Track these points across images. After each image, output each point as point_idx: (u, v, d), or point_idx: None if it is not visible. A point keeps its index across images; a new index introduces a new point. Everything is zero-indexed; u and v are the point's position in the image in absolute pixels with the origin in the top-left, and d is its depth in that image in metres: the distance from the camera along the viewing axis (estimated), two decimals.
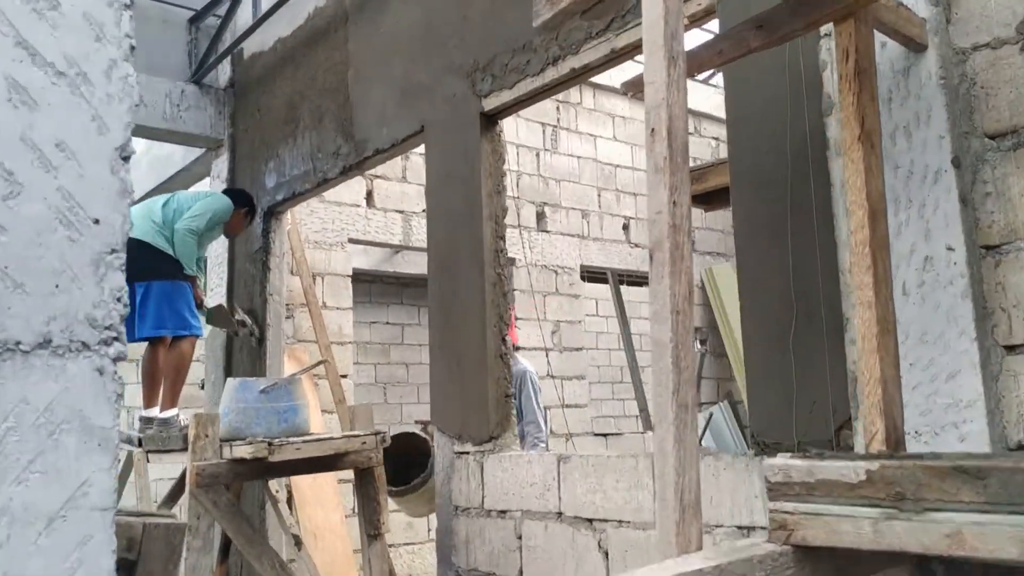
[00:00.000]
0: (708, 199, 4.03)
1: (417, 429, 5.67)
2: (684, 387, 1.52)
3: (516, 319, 4.76)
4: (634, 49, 3.46)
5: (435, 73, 4.45)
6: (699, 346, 9.49)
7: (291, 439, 3.20)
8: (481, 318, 4.00)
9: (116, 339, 0.98)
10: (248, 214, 5.62)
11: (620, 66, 8.59)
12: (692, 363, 1.58)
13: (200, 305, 5.24)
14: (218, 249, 6.62)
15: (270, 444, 3.06)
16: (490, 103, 4.07)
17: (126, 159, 1.02)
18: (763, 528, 2.79)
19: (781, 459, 1.58)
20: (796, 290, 2.75)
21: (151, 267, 4.94)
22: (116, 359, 0.98)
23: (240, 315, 5.97)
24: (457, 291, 4.18)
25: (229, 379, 3.50)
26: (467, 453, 4.00)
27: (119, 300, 0.99)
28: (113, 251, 0.99)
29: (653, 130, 1.65)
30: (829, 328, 2.66)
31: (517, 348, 5.82)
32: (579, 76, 3.72)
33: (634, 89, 2.47)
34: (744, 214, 3.02)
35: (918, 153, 2.43)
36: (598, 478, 3.39)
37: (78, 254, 0.94)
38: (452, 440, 4.07)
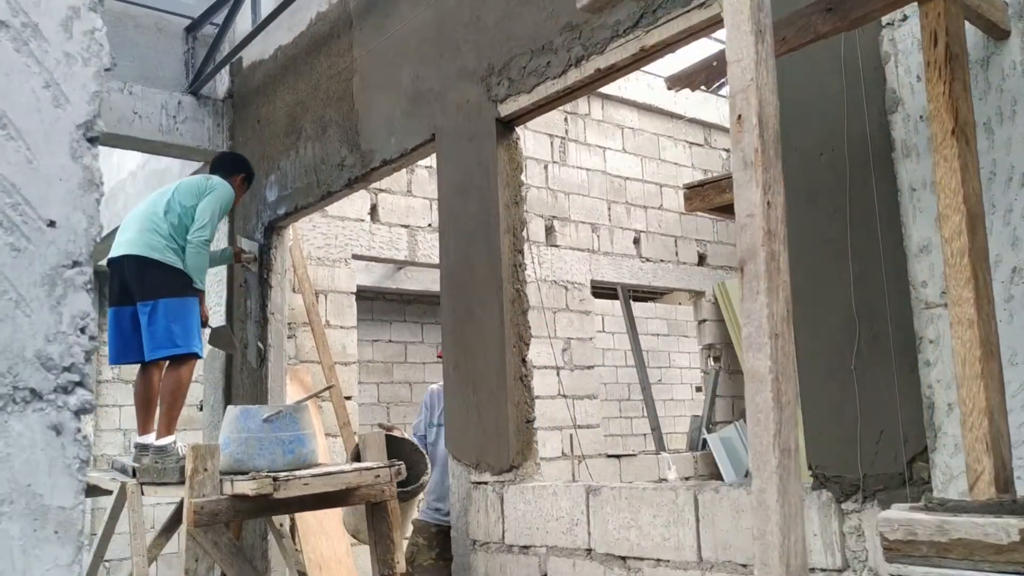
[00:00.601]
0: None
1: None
2: (786, 427, 1.25)
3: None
4: (665, 47, 3.20)
5: (447, 78, 4.20)
6: (713, 363, 9.22)
7: (298, 472, 2.92)
8: (499, 338, 3.73)
9: (79, 384, 0.71)
10: (246, 180, 5.26)
11: (627, 76, 8.36)
12: (794, 397, 1.31)
13: (204, 323, 4.99)
14: (218, 270, 6.35)
15: (275, 479, 2.78)
16: (506, 108, 3.81)
17: (93, 141, 0.76)
18: (823, 571, 2.51)
19: (900, 511, 1.31)
20: (858, 307, 2.48)
21: (158, 285, 4.66)
22: (79, 412, 0.71)
23: (244, 248, 5.70)
24: (472, 309, 3.91)
25: (230, 407, 3.22)
26: (485, 483, 3.72)
27: (83, 331, 0.72)
28: (76, 264, 0.72)
29: (740, 117, 1.40)
30: (898, 348, 2.39)
31: None
32: (604, 77, 3.47)
33: (680, 84, 2.22)
34: (795, 224, 2.75)
35: (1001, 153, 2.17)
36: (632, 512, 3.11)
37: (24, 269, 0.67)
38: (469, 469, 3.79)
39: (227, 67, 6.32)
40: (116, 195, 8.35)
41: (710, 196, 3.72)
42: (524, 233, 3.91)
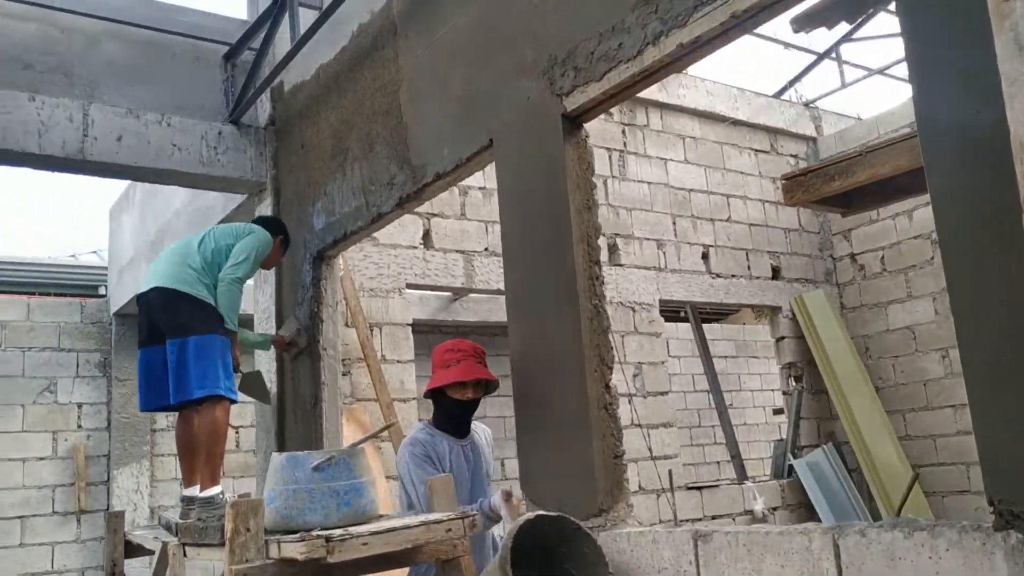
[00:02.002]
0: (847, 200, 3.26)
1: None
2: None
3: None
4: (760, 10, 2.73)
5: (503, 77, 3.78)
6: (794, 383, 8.59)
7: (354, 529, 2.47)
8: (578, 361, 3.25)
9: None
10: (284, 242, 5.21)
11: (684, 84, 7.86)
12: None
13: (236, 369, 4.60)
14: (265, 302, 6.00)
15: (328, 539, 2.34)
16: (573, 101, 3.37)
17: None
18: None
19: None
20: None
21: (187, 321, 4.31)
22: None
23: (295, 332, 5.36)
24: (545, 331, 3.44)
25: (274, 454, 2.79)
26: None
27: None
28: None
29: None
30: None
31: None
32: (688, 55, 3.00)
33: (812, 24, 1.76)
34: (953, 204, 2.23)
35: None
36: (754, 562, 2.59)
37: None
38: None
39: (268, 92, 6.01)
40: (163, 235, 8.12)
41: (815, 186, 3.25)
42: (599, 242, 3.44)
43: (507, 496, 3.12)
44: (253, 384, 5.29)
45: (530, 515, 2.65)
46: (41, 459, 9.36)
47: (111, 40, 5.62)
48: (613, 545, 3.04)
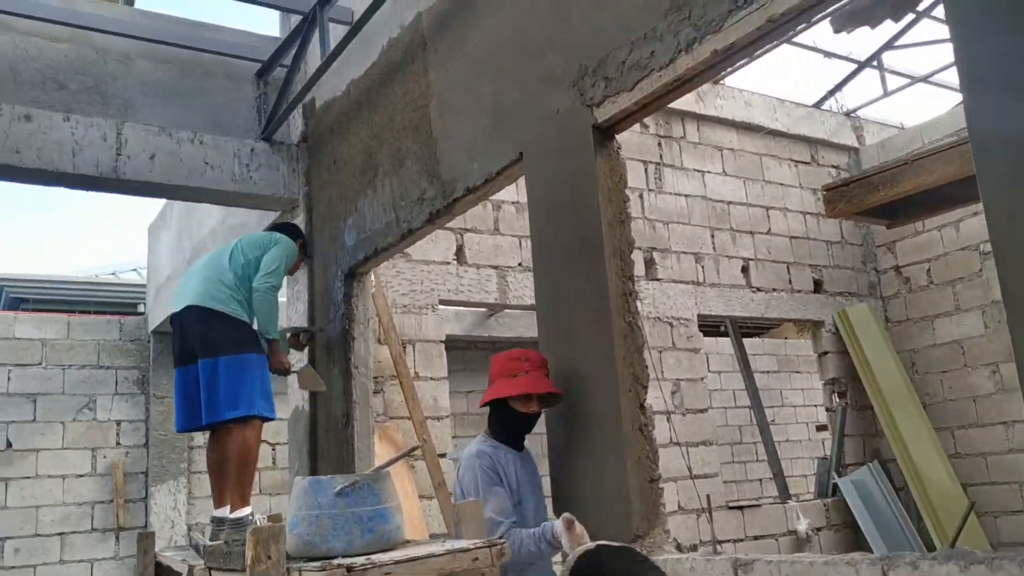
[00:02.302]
0: (892, 211, 3.12)
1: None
2: None
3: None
4: (799, 13, 2.62)
5: (533, 88, 3.69)
6: (837, 399, 8.36)
7: (377, 558, 2.38)
8: (611, 380, 3.14)
9: None
10: (303, 246, 5.36)
11: (723, 94, 7.72)
12: None
13: (286, 371, 4.71)
14: (298, 320, 5.96)
15: (349, 569, 2.25)
16: (604, 112, 3.27)
17: None
18: None
19: None
20: None
21: (221, 340, 4.27)
22: None
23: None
24: (577, 348, 3.34)
25: (296, 478, 2.71)
26: None
27: None
28: None
29: None
30: None
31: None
32: (723, 61, 2.89)
33: (854, 23, 1.64)
34: (1007, 214, 2.09)
35: None
36: None
37: None
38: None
39: (300, 109, 6.00)
40: (198, 253, 8.14)
41: (859, 197, 3.11)
42: (632, 256, 3.33)
43: (569, 524, 2.87)
44: (307, 378, 5.31)
45: (591, 545, 2.52)
46: (80, 476, 9.43)
47: (145, 59, 5.64)
48: None
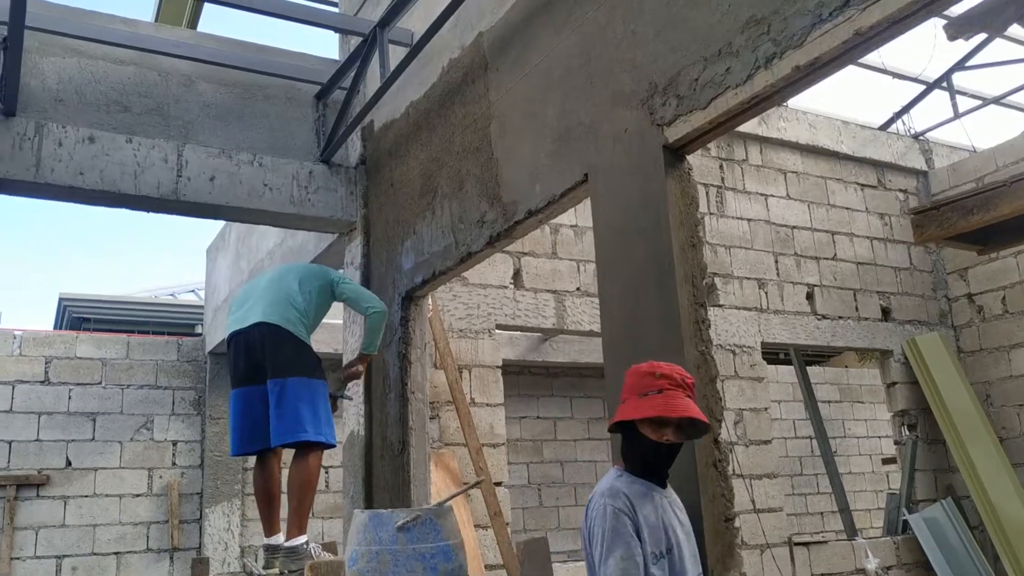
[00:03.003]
0: (984, 237, 2.92)
1: None
2: None
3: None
4: (889, 26, 2.46)
5: (599, 108, 3.58)
6: (907, 432, 8.03)
7: None
8: None
9: None
10: None
11: (786, 116, 7.51)
12: None
13: (358, 376, 4.94)
14: (354, 343, 5.89)
15: None
16: (676, 132, 3.14)
17: None
18: None
19: None
20: None
21: (292, 362, 4.22)
22: None
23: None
24: None
25: (356, 511, 2.60)
26: None
27: None
28: None
29: None
30: None
31: None
32: (805, 77, 2.74)
33: (969, 29, 1.51)
34: None
35: None
36: None
37: None
38: None
39: (358, 131, 5.97)
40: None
41: (950, 221, 2.93)
42: (704, 283, 3.17)
43: None
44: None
45: None
46: (137, 495, 9.49)
47: (206, 82, 5.66)
48: None
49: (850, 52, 2.61)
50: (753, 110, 2.94)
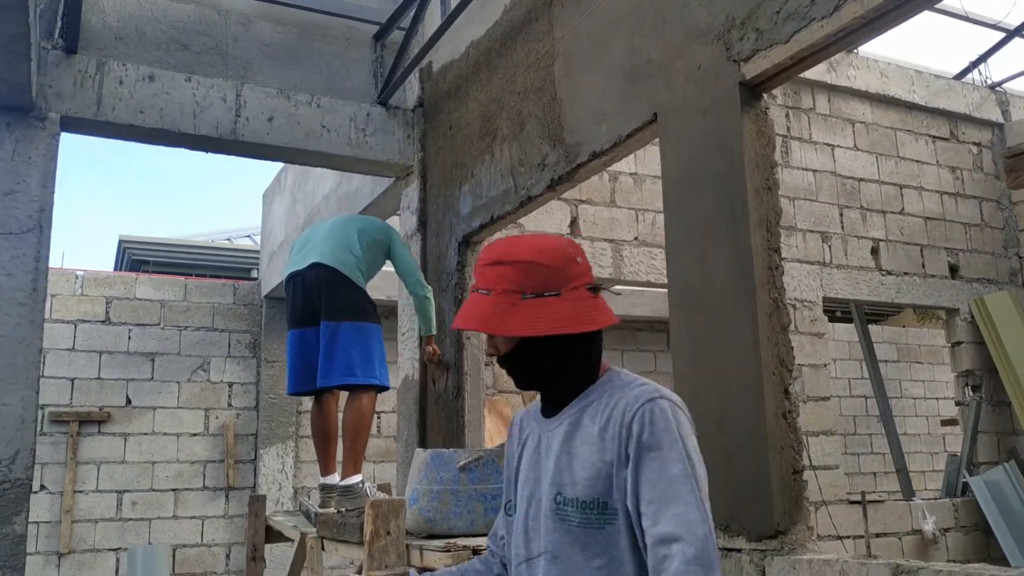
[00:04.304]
0: None
1: None
2: None
3: None
4: None
5: (671, 44, 3.43)
6: (971, 393, 7.80)
7: None
8: (754, 362, 2.88)
9: None
10: None
11: (855, 63, 7.21)
12: None
13: (439, 361, 5.08)
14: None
15: (476, 552, 2.08)
16: (753, 68, 2.98)
17: None
18: None
19: None
20: None
21: (346, 305, 4.22)
22: None
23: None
24: (714, 327, 3.08)
25: (418, 450, 2.57)
26: (738, 551, 2.87)
27: None
28: None
29: None
30: None
31: None
32: (896, 9, 2.57)
33: None
34: None
35: None
36: None
37: None
38: (715, 531, 2.94)
39: (416, 73, 5.87)
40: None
41: None
42: (779, 227, 3.04)
43: None
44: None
45: None
46: (194, 435, 9.69)
47: (265, 21, 5.60)
48: (791, 572, 2.66)
49: None
50: (838, 44, 2.77)
